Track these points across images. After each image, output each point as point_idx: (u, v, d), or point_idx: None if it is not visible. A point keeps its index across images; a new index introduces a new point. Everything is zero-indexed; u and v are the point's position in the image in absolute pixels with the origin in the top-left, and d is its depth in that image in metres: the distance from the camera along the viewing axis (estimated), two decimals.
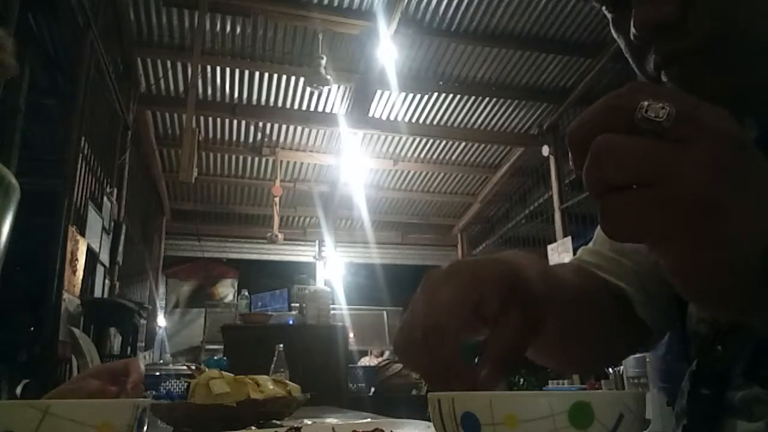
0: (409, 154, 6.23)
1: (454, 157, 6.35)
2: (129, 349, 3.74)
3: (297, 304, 4.48)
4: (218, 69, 4.73)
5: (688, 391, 0.54)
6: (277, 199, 6.11)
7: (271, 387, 1.11)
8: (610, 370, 3.48)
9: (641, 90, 0.33)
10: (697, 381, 0.54)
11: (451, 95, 5.17)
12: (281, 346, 2.05)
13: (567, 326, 0.54)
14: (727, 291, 0.34)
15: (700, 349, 0.55)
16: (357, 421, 0.88)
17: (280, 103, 5.22)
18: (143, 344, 5.36)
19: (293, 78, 4.85)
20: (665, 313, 0.64)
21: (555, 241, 5.19)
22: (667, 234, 0.33)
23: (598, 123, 0.33)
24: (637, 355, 2.76)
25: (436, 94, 5.14)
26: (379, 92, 5.00)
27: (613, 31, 0.53)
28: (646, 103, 0.32)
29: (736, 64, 0.47)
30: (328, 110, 5.33)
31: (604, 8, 0.53)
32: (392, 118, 5.46)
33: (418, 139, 5.93)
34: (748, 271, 0.32)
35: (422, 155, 6.27)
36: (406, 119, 5.49)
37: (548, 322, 0.47)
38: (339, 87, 4.94)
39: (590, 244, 0.70)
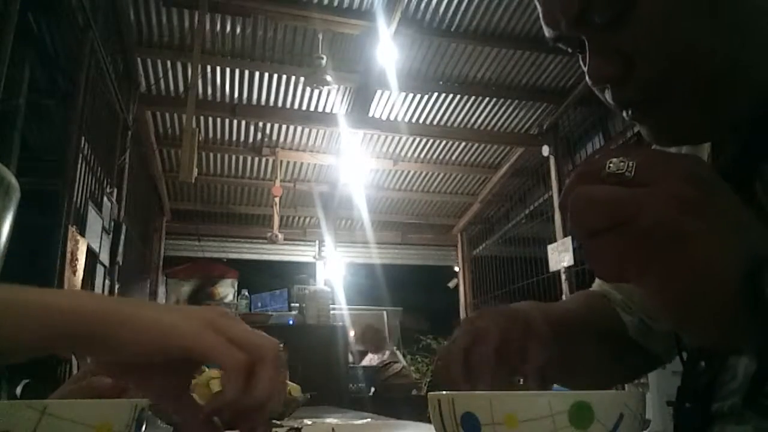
0: (409, 154, 6.22)
1: (454, 157, 6.35)
2: None
3: (297, 304, 4.47)
4: (218, 69, 4.72)
5: (675, 404, 0.56)
6: (277, 199, 6.10)
7: None
8: None
9: (609, 154, 0.36)
10: (682, 395, 0.55)
11: (451, 95, 5.16)
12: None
13: (570, 358, 0.65)
14: (708, 319, 0.35)
15: (686, 365, 0.56)
16: (357, 422, 0.88)
17: (280, 103, 5.21)
18: None
19: (293, 78, 4.84)
20: (663, 338, 0.66)
21: (555, 241, 5.19)
22: (642, 268, 0.34)
23: (574, 187, 0.36)
24: None
25: (436, 94, 5.13)
26: (379, 92, 4.99)
27: (582, 66, 0.56)
28: (610, 161, 0.35)
29: (682, 106, 0.50)
30: (328, 110, 5.33)
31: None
32: (392, 118, 5.45)
33: (418, 139, 5.92)
34: (728, 299, 0.33)
35: (422, 155, 6.26)
36: (406, 119, 5.48)
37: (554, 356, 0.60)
38: (339, 87, 4.93)
39: None
